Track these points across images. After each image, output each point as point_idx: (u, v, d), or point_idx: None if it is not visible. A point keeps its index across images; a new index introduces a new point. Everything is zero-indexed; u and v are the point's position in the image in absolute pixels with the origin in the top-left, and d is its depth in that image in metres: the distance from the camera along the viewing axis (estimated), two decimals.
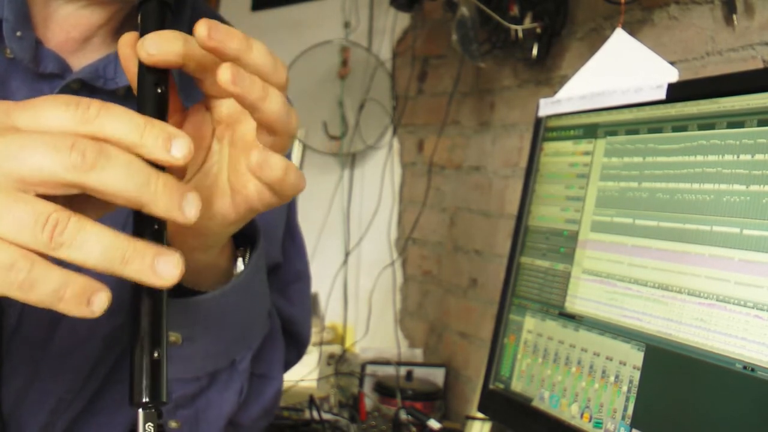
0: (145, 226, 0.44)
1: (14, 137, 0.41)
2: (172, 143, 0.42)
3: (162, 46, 0.45)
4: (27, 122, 0.42)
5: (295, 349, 0.86)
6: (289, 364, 0.86)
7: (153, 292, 0.43)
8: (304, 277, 0.89)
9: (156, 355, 0.42)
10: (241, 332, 0.69)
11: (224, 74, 0.44)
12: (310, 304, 0.90)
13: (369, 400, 1.52)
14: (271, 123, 0.48)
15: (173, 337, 0.62)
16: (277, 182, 0.49)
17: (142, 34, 0.47)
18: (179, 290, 0.60)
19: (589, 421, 0.79)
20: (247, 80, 0.45)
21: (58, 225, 0.40)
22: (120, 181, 0.41)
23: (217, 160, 0.54)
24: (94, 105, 0.42)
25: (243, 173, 0.52)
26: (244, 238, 0.63)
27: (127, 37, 0.49)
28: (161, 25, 0.49)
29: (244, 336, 0.70)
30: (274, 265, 0.84)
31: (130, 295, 0.44)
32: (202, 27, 0.45)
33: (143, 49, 0.45)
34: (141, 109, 0.46)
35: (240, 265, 0.63)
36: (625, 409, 0.75)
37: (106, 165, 0.40)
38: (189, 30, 0.73)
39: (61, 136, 0.41)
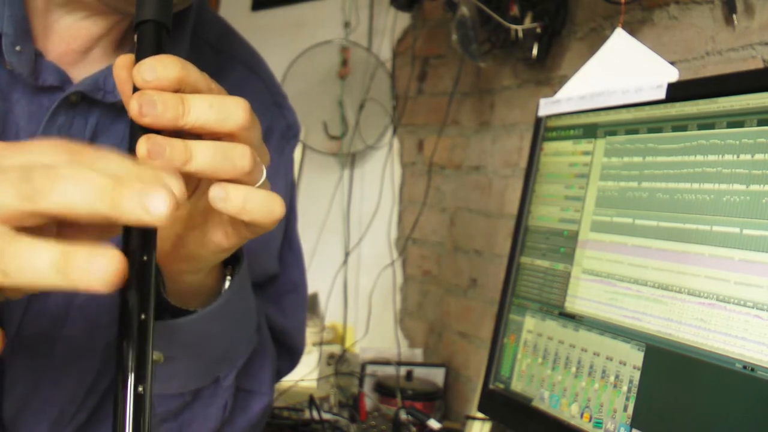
0: (132, 235, 0.43)
1: None
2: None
3: (158, 72, 0.44)
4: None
5: (288, 359, 0.86)
6: (281, 373, 0.86)
7: (140, 324, 0.42)
8: (299, 287, 0.88)
9: (140, 389, 0.41)
10: (224, 351, 0.69)
11: (140, 149, 0.43)
12: (304, 315, 0.89)
13: (369, 400, 1.52)
14: (206, 176, 0.46)
15: (155, 355, 0.62)
16: (238, 214, 0.47)
17: (137, 57, 0.47)
18: (166, 307, 0.60)
19: (589, 421, 0.79)
20: (166, 150, 0.43)
21: None
22: (71, 198, 0.38)
23: (208, 186, 0.53)
24: (41, 175, 0.39)
25: None
26: (231, 255, 0.61)
27: (123, 60, 0.47)
28: (158, 48, 0.48)
29: (227, 355, 0.69)
30: (271, 275, 0.84)
31: (116, 326, 0.43)
32: (133, 103, 0.43)
33: (139, 74, 0.44)
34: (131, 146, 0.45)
35: (227, 284, 0.62)
36: (625, 409, 0.75)
37: (53, 187, 0.38)
38: (188, 45, 0.73)
39: (14, 168, 0.39)
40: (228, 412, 0.72)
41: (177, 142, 0.44)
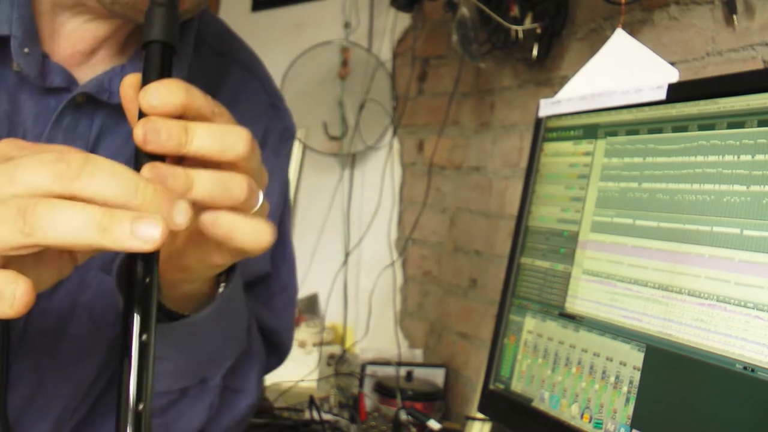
0: (135, 257, 0.45)
1: None
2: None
3: (163, 97, 0.46)
4: (6, 182, 0.42)
5: (276, 356, 0.88)
6: (269, 369, 0.88)
7: (141, 345, 0.44)
8: (289, 288, 0.89)
9: (141, 407, 0.43)
10: (213, 354, 0.70)
11: (144, 176, 0.45)
12: (293, 315, 0.91)
13: (369, 401, 1.52)
14: (205, 204, 0.48)
15: None
16: (224, 239, 0.49)
17: (144, 78, 0.48)
18: (160, 308, 0.61)
19: (589, 421, 0.79)
20: (168, 180, 0.45)
21: None
22: (66, 233, 0.40)
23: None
24: (77, 159, 0.42)
25: None
26: None
27: (130, 79, 0.49)
28: (163, 71, 0.49)
29: (215, 357, 0.71)
30: (263, 275, 0.84)
31: (118, 346, 0.45)
32: (138, 130, 0.45)
33: (145, 99, 0.46)
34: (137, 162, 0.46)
35: (221, 290, 0.63)
36: (626, 409, 0.75)
37: (48, 223, 0.40)
38: (192, 48, 0.74)
39: (11, 202, 0.41)
40: (214, 409, 0.74)
41: (179, 172, 0.46)
